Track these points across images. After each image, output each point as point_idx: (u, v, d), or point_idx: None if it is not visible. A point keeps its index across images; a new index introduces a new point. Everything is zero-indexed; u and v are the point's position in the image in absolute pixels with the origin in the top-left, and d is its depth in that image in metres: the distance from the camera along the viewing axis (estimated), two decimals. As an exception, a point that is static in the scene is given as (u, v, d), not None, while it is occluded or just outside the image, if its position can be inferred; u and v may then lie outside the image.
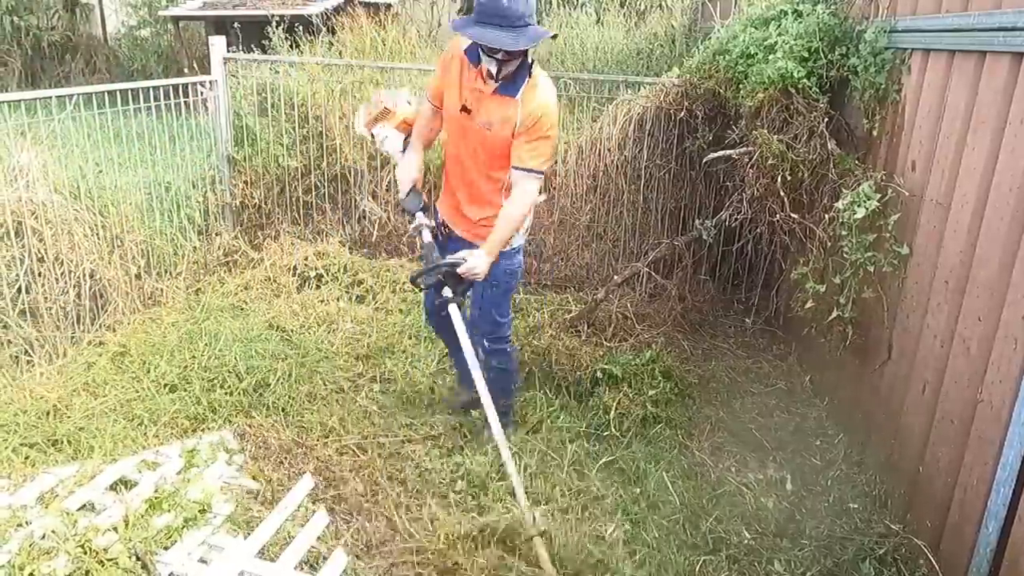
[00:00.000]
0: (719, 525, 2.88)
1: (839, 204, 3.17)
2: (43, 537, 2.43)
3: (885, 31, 3.22)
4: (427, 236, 2.93)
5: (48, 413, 3.26)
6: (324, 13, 7.98)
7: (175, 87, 4.63)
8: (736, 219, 4.03)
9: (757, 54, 3.79)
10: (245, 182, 5.19)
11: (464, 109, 2.77)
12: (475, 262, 2.74)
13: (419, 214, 2.93)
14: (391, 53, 6.90)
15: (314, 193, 5.25)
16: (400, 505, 2.81)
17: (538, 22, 2.87)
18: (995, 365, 2.33)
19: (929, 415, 2.73)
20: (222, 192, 5.13)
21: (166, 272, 4.54)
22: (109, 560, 2.37)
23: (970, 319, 2.49)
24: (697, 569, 2.65)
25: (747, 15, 4.26)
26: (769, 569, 2.67)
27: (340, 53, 6.78)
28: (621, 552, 2.63)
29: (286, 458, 3.07)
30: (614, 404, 3.48)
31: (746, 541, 2.81)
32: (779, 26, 3.79)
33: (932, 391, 2.72)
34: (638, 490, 3.05)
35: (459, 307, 2.85)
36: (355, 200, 5.23)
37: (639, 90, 4.80)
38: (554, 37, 3.01)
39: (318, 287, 4.69)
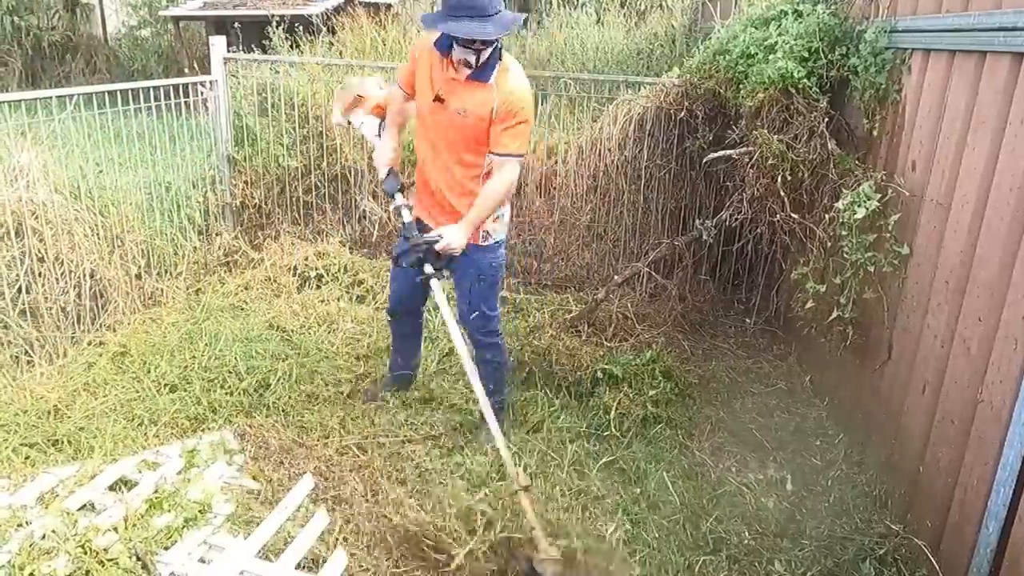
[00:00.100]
0: (719, 525, 2.88)
1: (839, 204, 3.17)
2: (43, 537, 2.43)
3: (885, 31, 3.22)
4: (407, 216, 3.00)
5: (48, 413, 3.27)
6: (324, 13, 7.99)
7: (175, 87, 4.63)
8: (736, 219, 4.03)
9: (757, 54, 3.79)
10: (245, 182, 5.19)
11: (437, 99, 2.83)
12: (451, 237, 2.83)
13: (397, 195, 3.02)
14: (391, 53, 6.92)
15: (314, 193, 5.25)
16: (400, 504, 2.81)
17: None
18: (995, 365, 2.33)
19: (929, 415, 2.73)
20: (222, 192, 5.13)
21: (166, 272, 4.54)
22: (109, 560, 2.37)
23: (970, 319, 2.49)
24: (697, 569, 2.65)
25: (747, 15, 4.27)
26: (769, 569, 2.67)
27: (340, 53, 6.80)
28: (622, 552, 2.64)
29: (286, 458, 3.07)
30: (614, 404, 3.48)
31: (746, 541, 2.81)
32: (779, 26, 3.79)
33: (932, 391, 2.72)
34: (638, 490, 3.05)
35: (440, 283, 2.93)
36: (355, 200, 5.23)
37: (639, 90, 4.80)
38: (525, 22, 3.04)
39: (318, 287, 4.69)
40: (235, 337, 3.90)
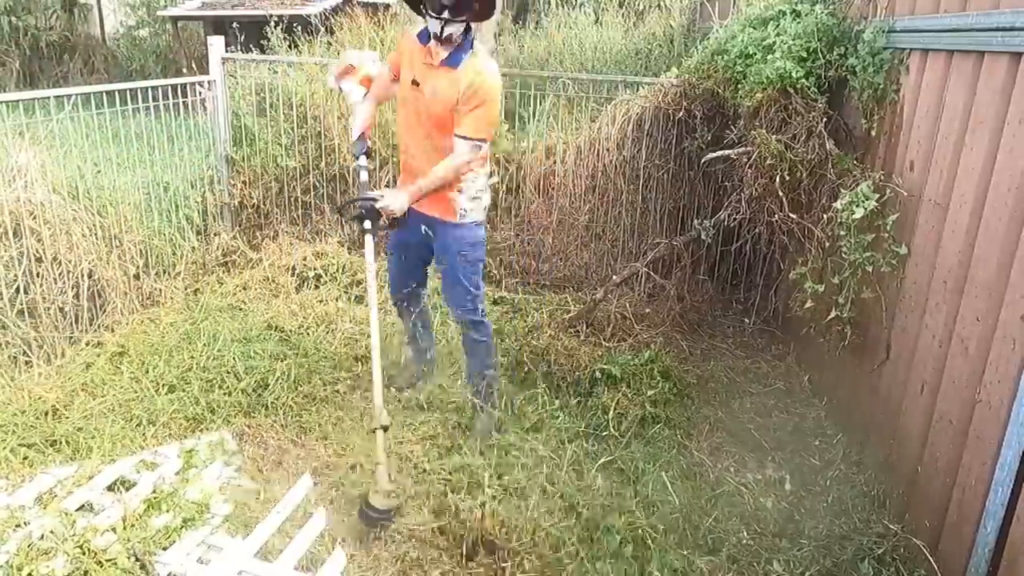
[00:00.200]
0: (718, 525, 2.88)
1: (837, 204, 3.17)
2: (41, 537, 2.43)
3: (883, 31, 3.22)
4: (364, 176, 3.23)
5: (46, 413, 3.26)
6: (323, 13, 7.98)
7: (173, 87, 4.62)
8: (735, 219, 4.03)
9: (756, 54, 3.80)
10: (244, 182, 5.18)
11: (414, 82, 3.04)
12: (391, 199, 2.97)
13: (362, 157, 3.24)
14: (390, 53, 6.90)
15: (313, 193, 5.25)
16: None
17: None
18: (993, 365, 2.33)
19: (927, 415, 2.73)
20: (221, 192, 5.13)
21: (164, 272, 4.54)
22: (107, 560, 2.37)
23: (968, 319, 2.49)
24: (696, 569, 2.65)
25: (746, 15, 4.27)
26: (768, 569, 2.67)
27: (339, 53, 6.78)
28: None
29: (285, 458, 3.08)
30: (613, 404, 3.49)
31: (745, 541, 2.81)
32: (778, 26, 3.79)
33: (930, 391, 2.72)
34: (637, 490, 3.05)
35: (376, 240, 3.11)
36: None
37: (638, 90, 4.80)
38: (516, 19, 3.12)
39: (317, 287, 4.68)
40: (233, 337, 3.90)
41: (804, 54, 3.56)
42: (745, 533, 2.85)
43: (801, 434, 3.56)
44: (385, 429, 2.81)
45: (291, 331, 4.10)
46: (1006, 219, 2.30)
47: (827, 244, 3.42)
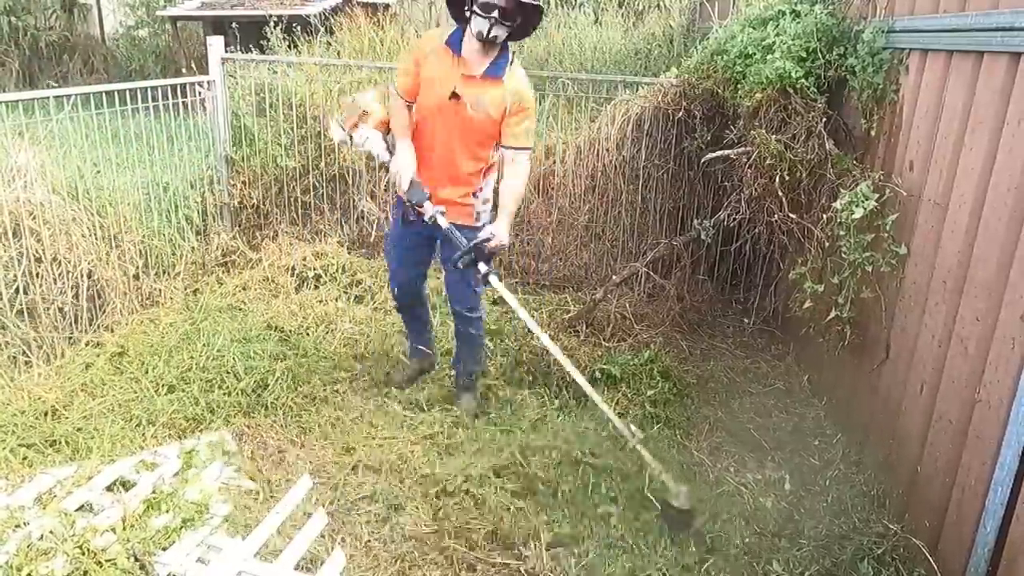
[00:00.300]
0: (717, 525, 2.88)
1: (837, 204, 3.17)
2: (41, 538, 2.43)
3: (883, 31, 3.22)
4: (443, 222, 3.07)
5: (46, 414, 3.26)
6: (322, 13, 7.98)
7: (173, 87, 4.62)
8: (734, 219, 4.03)
9: (755, 54, 3.80)
10: (243, 182, 5.18)
11: (454, 95, 2.95)
12: (501, 235, 2.99)
13: (427, 203, 3.07)
14: (389, 53, 6.91)
15: (312, 193, 5.25)
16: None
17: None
18: (993, 365, 2.33)
19: (927, 415, 2.73)
20: (220, 192, 5.13)
21: (164, 272, 4.54)
22: (107, 561, 2.37)
23: (968, 319, 2.49)
24: (695, 569, 2.65)
25: (745, 15, 4.27)
26: (767, 569, 2.67)
27: (338, 53, 6.79)
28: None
29: (284, 458, 3.08)
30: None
31: (744, 541, 2.81)
32: (777, 26, 3.79)
33: (930, 391, 2.73)
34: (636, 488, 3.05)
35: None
36: (353, 200, 5.23)
37: (637, 90, 4.80)
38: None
39: (316, 287, 4.68)
40: (233, 337, 3.90)
41: (803, 54, 3.56)
42: (745, 533, 2.85)
43: (801, 434, 3.56)
44: (643, 442, 2.87)
45: (291, 331, 4.10)
46: (1005, 219, 2.30)
47: (827, 244, 3.42)
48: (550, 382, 3.78)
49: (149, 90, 4.38)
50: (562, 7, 8.53)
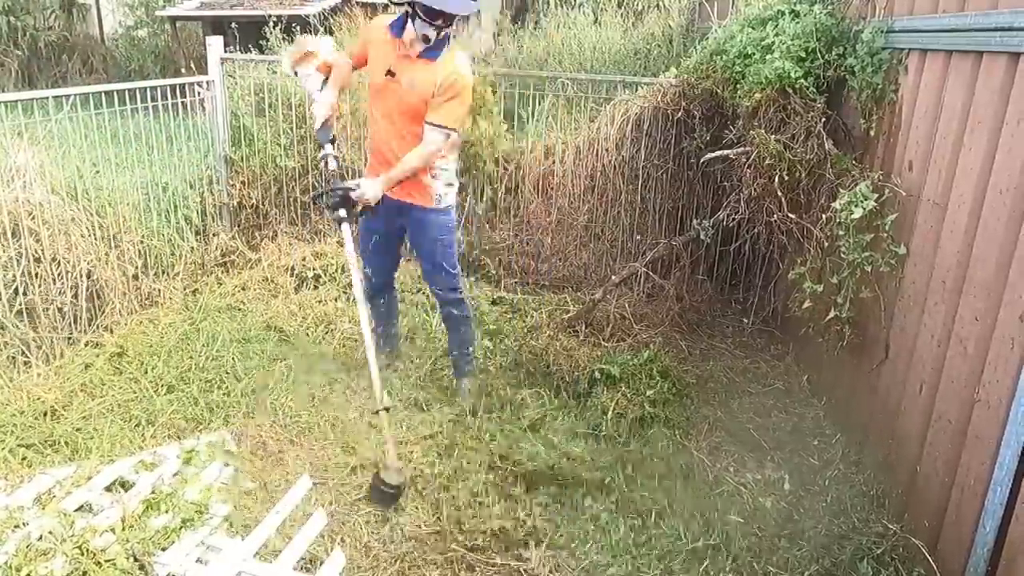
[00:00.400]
0: (717, 525, 2.88)
1: (836, 204, 3.18)
2: (40, 538, 2.43)
3: (882, 31, 3.22)
4: (332, 164, 3.25)
5: (45, 414, 3.26)
6: (321, 13, 7.98)
7: (172, 87, 4.62)
8: (734, 219, 4.03)
9: (754, 54, 3.80)
10: (242, 182, 5.18)
11: (389, 73, 3.14)
12: (366, 188, 3.07)
13: (327, 145, 3.26)
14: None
15: (312, 193, 5.24)
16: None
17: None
18: (992, 365, 2.34)
19: (926, 415, 2.73)
20: (219, 192, 5.12)
21: (163, 273, 4.54)
22: (106, 561, 2.37)
23: (967, 319, 2.50)
24: (694, 569, 2.65)
25: (744, 15, 4.27)
26: (767, 568, 2.67)
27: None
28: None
29: (284, 458, 3.07)
30: (612, 404, 3.49)
31: (745, 541, 2.81)
32: (776, 26, 3.79)
33: (929, 391, 2.73)
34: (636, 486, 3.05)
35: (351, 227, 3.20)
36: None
37: (636, 90, 4.80)
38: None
39: (316, 287, 4.68)
40: (232, 338, 3.90)
41: (803, 54, 3.56)
42: (745, 533, 2.85)
43: (800, 434, 3.56)
44: (387, 411, 2.94)
45: (290, 331, 4.10)
46: (1004, 219, 2.31)
47: (826, 244, 3.42)
48: (550, 382, 3.78)
49: (148, 90, 4.38)
50: (561, 7, 8.53)
